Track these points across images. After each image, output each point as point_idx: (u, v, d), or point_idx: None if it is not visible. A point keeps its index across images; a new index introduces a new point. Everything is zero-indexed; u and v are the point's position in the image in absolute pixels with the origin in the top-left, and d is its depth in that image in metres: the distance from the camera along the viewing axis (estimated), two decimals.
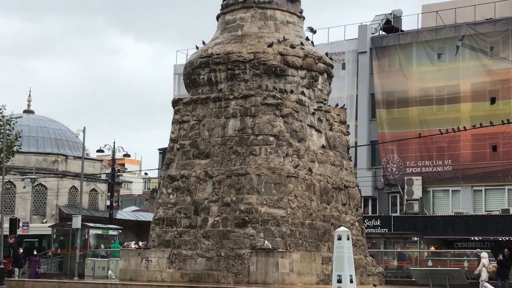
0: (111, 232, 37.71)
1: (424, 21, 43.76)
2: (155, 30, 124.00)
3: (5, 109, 42.43)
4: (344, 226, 17.11)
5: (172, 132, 21.97)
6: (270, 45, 21.04)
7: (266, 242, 19.20)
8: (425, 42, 42.24)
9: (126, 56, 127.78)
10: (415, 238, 36.19)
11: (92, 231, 36.90)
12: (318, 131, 21.54)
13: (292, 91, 20.87)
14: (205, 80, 21.59)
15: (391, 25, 44.75)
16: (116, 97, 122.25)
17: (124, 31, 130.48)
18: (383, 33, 44.70)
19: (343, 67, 43.90)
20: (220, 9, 22.62)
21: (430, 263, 29.16)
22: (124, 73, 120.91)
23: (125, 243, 30.93)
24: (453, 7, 42.16)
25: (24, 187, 50.38)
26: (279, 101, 20.43)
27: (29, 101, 58.87)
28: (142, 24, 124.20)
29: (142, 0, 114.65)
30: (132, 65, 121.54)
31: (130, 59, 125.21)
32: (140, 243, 24.30)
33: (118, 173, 59.55)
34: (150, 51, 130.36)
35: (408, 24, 46.32)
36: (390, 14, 45.45)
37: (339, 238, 15.28)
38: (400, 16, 45.56)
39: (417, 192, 40.76)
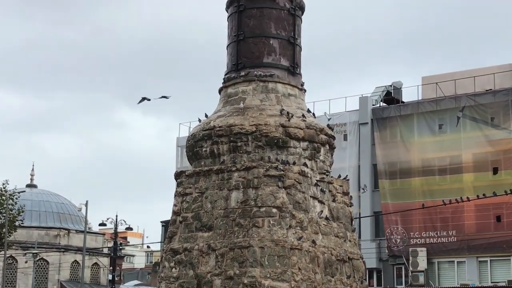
0: None
1: (424, 93, 44.20)
2: (162, 104, 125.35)
3: (8, 184, 42.56)
4: None
5: (175, 205, 21.92)
6: (272, 117, 21.17)
7: None
8: (426, 113, 42.58)
9: (130, 129, 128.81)
10: None
11: None
12: (321, 202, 21.48)
13: (294, 163, 20.91)
14: (208, 153, 21.66)
15: (391, 96, 45.20)
16: (120, 170, 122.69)
17: (131, 106, 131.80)
18: (384, 104, 45.09)
19: (345, 138, 44.14)
20: (222, 83, 22.87)
21: None
22: (128, 146, 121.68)
23: None
24: (453, 78, 42.66)
25: (26, 262, 50.04)
26: (282, 172, 20.44)
27: (32, 175, 59.05)
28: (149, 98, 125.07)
29: (148, 75, 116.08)
30: (136, 138, 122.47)
31: (135, 132, 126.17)
32: None
33: (120, 247, 59.14)
34: (155, 125, 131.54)
35: (409, 95, 46.86)
36: (391, 86, 45.94)
37: None
38: (401, 88, 46.05)
39: (422, 264, 40.41)
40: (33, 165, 59.43)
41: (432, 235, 40.64)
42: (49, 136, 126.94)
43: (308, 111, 22.61)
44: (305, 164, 21.17)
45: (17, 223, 42.23)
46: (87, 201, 36.87)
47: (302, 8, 23.01)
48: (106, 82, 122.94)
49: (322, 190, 21.52)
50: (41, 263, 50.46)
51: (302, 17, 23.14)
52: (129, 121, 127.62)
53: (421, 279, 39.73)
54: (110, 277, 49.65)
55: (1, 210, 39.67)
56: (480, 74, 41.94)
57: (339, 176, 22.93)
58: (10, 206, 40.48)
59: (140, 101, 26.63)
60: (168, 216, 23.14)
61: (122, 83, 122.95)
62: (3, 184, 41.43)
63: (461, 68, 47.85)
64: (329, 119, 23.59)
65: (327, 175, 21.98)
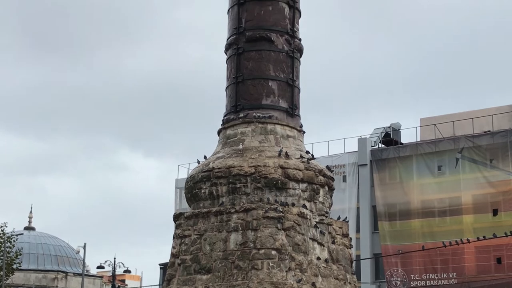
0: None
1: (423, 134, 44.30)
2: (163, 146, 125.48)
3: (6, 226, 42.38)
4: None
5: (173, 247, 21.78)
6: (270, 159, 21.17)
7: None
8: (425, 155, 42.61)
9: (131, 171, 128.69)
10: None
11: None
12: (321, 244, 21.35)
13: (293, 204, 20.84)
14: (207, 194, 21.60)
15: (390, 138, 45.29)
16: (119, 212, 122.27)
17: (132, 148, 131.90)
18: (383, 146, 45.15)
19: (344, 180, 44.11)
20: (221, 124, 22.92)
21: None
22: (128, 189, 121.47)
23: None
24: (451, 120, 42.79)
25: None
26: (281, 214, 20.36)
27: (30, 217, 58.88)
28: (150, 140, 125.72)
29: (150, 117, 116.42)
30: (137, 181, 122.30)
31: (135, 174, 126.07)
32: None
33: None
34: (156, 167, 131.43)
35: (407, 137, 46.99)
36: (389, 127, 46.06)
37: None
38: (399, 129, 46.16)
39: None
40: (31, 208, 59.31)
41: (433, 277, 40.40)
42: (49, 178, 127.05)
43: (307, 152, 22.63)
44: (304, 206, 21.10)
45: (14, 266, 41.99)
46: (85, 244, 36.78)
47: (300, 51, 23.17)
48: (108, 125, 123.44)
49: (321, 232, 21.42)
50: None
51: (301, 59, 23.30)
52: (130, 163, 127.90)
53: None
54: None
55: None
56: (479, 115, 42.10)
57: (339, 218, 22.85)
58: (7, 249, 40.29)
59: None
60: (166, 258, 23.00)
61: (124, 126, 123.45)
62: (1, 226, 41.28)
63: (459, 110, 48.19)
64: (330, 166, 23.65)
65: (326, 217, 21.90)
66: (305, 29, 25.09)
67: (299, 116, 22.90)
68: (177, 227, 21.97)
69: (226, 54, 23.20)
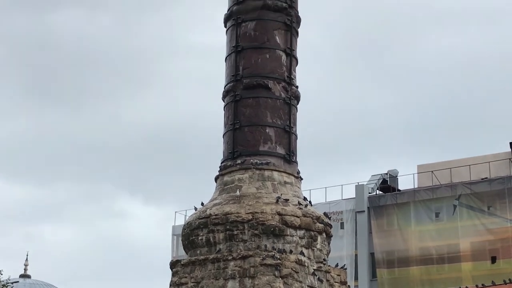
0: None
1: (420, 181, 44.28)
2: (161, 192, 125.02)
3: (1, 274, 42.01)
4: None
5: None
6: (268, 205, 21.11)
7: None
8: (422, 202, 42.54)
9: (130, 219, 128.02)
10: None
11: None
12: None
13: (291, 251, 20.73)
14: (204, 241, 21.48)
15: (387, 184, 45.24)
16: (116, 259, 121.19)
17: (132, 195, 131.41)
18: (380, 192, 45.08)
19: (342, 226, 43.94)
20: (219, 171, 22.91)
21: None
22: (126, 236, 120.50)
23: None
24: (448, 167, 42.82)
25: None
26: (278, 261, 20.23)
27: (25, 265, 58.40)
28: (149, 187, 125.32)
29: (149, 163, 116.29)
30: (135, 228, 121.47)
31: (134, 221, 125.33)
32: None
33: None
34: (155, 214, 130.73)
35: (405, 183, 46.88)
36: (386, 174, 46.05)
37: None
38: (396, 176, 46.15)
39: None
40: (27, 255, 58.80)
41: None
42: (47, 225, 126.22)
43: (305, 199, 22.59)
44: (302, 253, 20.98)
45: None
46: None
47: (297, 98, 23.30)
48: (108, 172, 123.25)
49: (319, 279, 21.25)
50: None
51: (299, 106, 23.42)
52: (129, 211, 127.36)
53: None
54: None
55: None
56: (476, 162, 42.15)
57: (337, 265, 22.71)
58: None
59: None
60: None
61: (123, 173, 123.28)
62: None
63: (456, 157, 48.29)
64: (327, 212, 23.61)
65: (324, 264, 21.76)
66: (304, 75, 25.29)
67: (297, 163, 22.92)
68: (173, 274, 21.80)
69: (224, 101, 23.32)
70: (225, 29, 23.94)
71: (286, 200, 21.48)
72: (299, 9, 23.99)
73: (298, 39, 23.81)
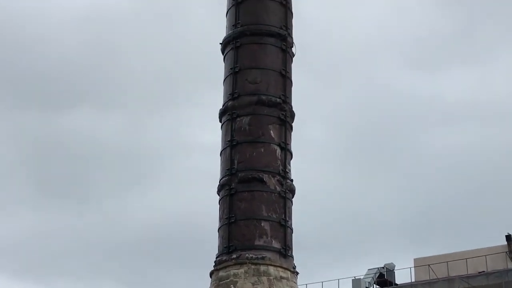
0: None
1: (417, 275, 43.88)
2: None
3: None
4: None
5: None
6: None
7: None
8: None
9: None
10: None
11: None
12: None
13: None
14: None
15: (384, 278, 44.81)
16: None
17: None
18: (377, 286, 44.61)
19: None
20: (214, 266, 22.71)
21: None
22: None
23: None
24: (445, 260, 42.51)
25: None
26: None
27: None
28: (148, 283, 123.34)
29: (149, 258, 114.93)
30: None
31: None
32: None
33: None
34: None
35: (402, 277, 46.36)
36: (383, 267, 45.68)
37: None
38: (393, 270, 45.75)
39: None
40: None
41: None
42: None
43: None
44: None
45: None
46: None
47: (292, 191, 23.33)
48: (109, 268, 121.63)
49: None
50: None
51: (294, 199, 23.45)
52: None
53: None
54: None
55: None
56: (473, 256, 41.83)
57: None
58: None
59: None
60: None
61: (124, 269, 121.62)
62: None
63: (453, 250, 47.91)
64: None
65: None
66: (302, 169, 25.46)
67: (292, 257, 22.74)
68: None
69: (219, 195, 23.34)
70: (220, 124, 24.23)
71: None
72: (299, 105, 24.42)
73: (298, 135, 24.15)
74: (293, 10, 25.37)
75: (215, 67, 25.53)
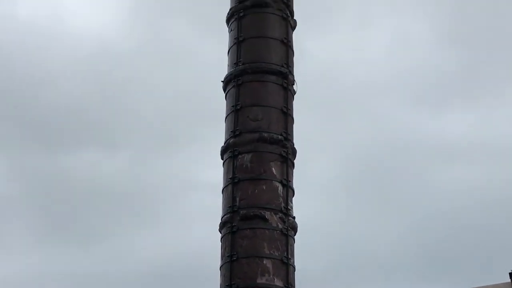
0: None
1: None
2: None
3: None
4: None
5: None
6: None
7: None
8: None
9: None
10: None
11: None
12: None
13: None
14: None
15: None
16: None
17: None
18: None
19: None
20: None
21: None
22: None
23: None
24: None
25: None
26: None
27: None
28: None
29: None
30: None
31: None
32: None
33: None
34: None
35: None
36: None
37: None
38: None
39: None
40: None
41: None
42: None
43: None
44: None
45: None
46: None
47: (294, 229, 23.22)
48: None
49: None
50: None
51: (296, 237, 23.37)
52: None
53: None
54: None
55: None
56: None
57: None
58: None
59: None
60: None
61: None
62: None
63: (456, 287, 47.59)
64: None
65: None
66: (305, 206, 25.39)
67: None
68: None
69: (221, 233, 23.28)
70: (221, 161, 24.27)
71: None
72: (303, 142, 24.47)
73: (303, 172, 24.16)
74: (298, 48, 25.55)
75: (219, 105, 25.65)
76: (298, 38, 26.14)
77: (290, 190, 24.09)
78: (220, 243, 23.53)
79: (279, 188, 23.79)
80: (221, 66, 25.87)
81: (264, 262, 22.55)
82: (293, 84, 25.30)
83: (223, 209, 23.95)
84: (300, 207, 24.05)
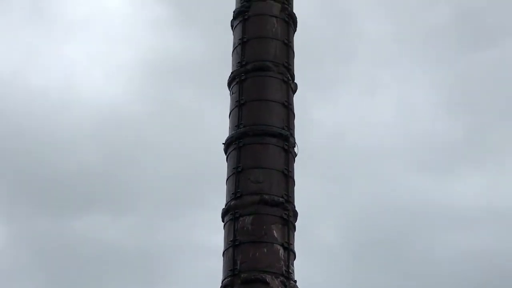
0: None
1: None
2: None
3: None
4: None
5: None
6: None
7: None
8: None
9: None
10: None
11: None
12: None
13: None
14: None
15: None
16: None
17: None
18: None
19: None
20: None
21: None
22: None
23: None
24: None
25: None
26: None
27: None
28: None
29: None
30: None
31: None
32: None
33: None
34: None
35: None
36: None
37: None
38: None
39: None
40: None
41: None
42: None
43: None
44: None
45: None
46: None
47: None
48: None
49: None
50: None
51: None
52: None
53: None
54: None
55: None
56: None
57: None
58: None
59: None
60: None
61: None
62: None
63: None
64: None
65: None
66: (310, 271, 25.17)
67: None
68: None
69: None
70: (222, 224, 24.17)
71: None
72: (308, 206, 24.36)
73: (307, 236, 24.00)
74: (303, 115, 25.66)
75: (222, 168, 25.73)
76: (305, 106, 26.39)
77: (291, 253, 23.74)
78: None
79: (280, 251, 23.48)
80: (223, 129, 26.03)
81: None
82: (294, 147, 25.24)
83: (224, 272, 23.59)
84: (301, 271, 23.82)
